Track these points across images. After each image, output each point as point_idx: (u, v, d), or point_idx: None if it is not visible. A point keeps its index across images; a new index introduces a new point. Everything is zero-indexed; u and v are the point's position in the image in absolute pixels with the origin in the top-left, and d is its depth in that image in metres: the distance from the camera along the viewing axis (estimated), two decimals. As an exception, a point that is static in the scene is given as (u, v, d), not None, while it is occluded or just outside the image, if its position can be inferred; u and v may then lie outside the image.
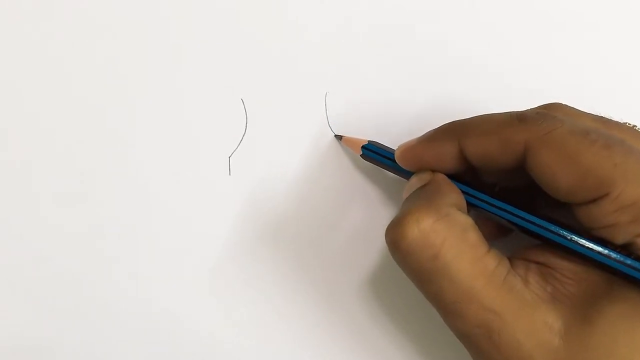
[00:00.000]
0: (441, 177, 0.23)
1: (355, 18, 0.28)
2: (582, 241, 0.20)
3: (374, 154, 0.26)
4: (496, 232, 0.26)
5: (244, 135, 0.28)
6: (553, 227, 0.21)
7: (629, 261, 0.19)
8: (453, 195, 0.22)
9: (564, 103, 0.23)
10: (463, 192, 0.23)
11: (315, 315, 0.28)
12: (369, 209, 0.28)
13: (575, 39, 0.29)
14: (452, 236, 0.20)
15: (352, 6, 0.28)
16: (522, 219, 0.21)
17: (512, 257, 0.22)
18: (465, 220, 0.21)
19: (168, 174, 0.27)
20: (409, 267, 0.21)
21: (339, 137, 0.28)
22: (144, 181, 0.27)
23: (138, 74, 0.27)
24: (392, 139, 0.28)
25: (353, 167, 0.28)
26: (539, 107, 0.23)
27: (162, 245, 0.27)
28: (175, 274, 0.27)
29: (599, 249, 0.20)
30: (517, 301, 0.20)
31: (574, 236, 0.20)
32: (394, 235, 0.20)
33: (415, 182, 0.23)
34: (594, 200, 0.19)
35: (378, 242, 0.28)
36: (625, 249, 0.20)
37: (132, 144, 0.27)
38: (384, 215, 0.28)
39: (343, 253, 0.28)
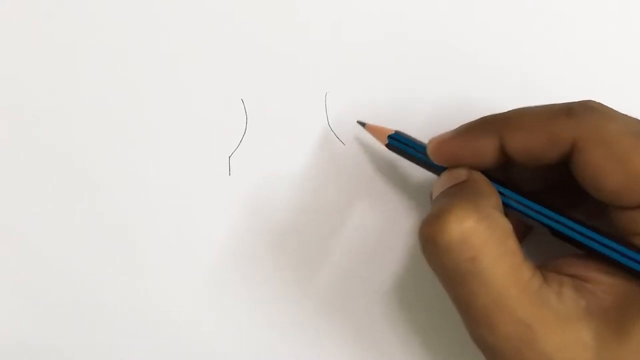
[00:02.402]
0: (480, 177, 0.22)
1: (356, 18, 0.28)
2: (625, 251, 0.19)
3: (402, 145, 0.24)
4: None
5: (244, 135, 0.28)
6: (596, 236, 0.20)
7: None
8: (493, 197, 0.21)
9: (597, 101, 0.22)
10: (502, 193, 0.22)
11: (314, 318, 0.28)
12: (371, 210, 0.28)
13: (583, 36, 0.29)
14: (493, 240, 0.19)
15: (353, 5, 0.28)
16: (566, 226, 0.21)
17: (545, 270, 0.21)
18: (505, 225, 0.20)
19: (168, 173, 0.27)
20: (442, 265, 0.20)
21: (361, 124, 0.27)
22: (144, 181, 0.27)
23: (138, 74, 0.27)
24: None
25: (355, 167, 0.28)
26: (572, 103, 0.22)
27: (162, 245, 0.27)
28: (175, 274, 0.27)
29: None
30: (550, 315, 0.19)
31: (615, 245, 0.20)
32: (432, 231, 0.19)
33: (447, 178, 0.22)
34: (638, 207, 0.19)
35: (380, 244, 0.28)
36: None
37: (132, 144, 0.27)
38: (386, 217, 0.28)
39: (344, 254, 0.28)
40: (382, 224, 0.28)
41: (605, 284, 0.20)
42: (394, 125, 0.27)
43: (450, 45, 0.29)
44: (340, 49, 0.28)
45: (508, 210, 0.22)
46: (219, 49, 0.28)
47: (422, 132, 0.28)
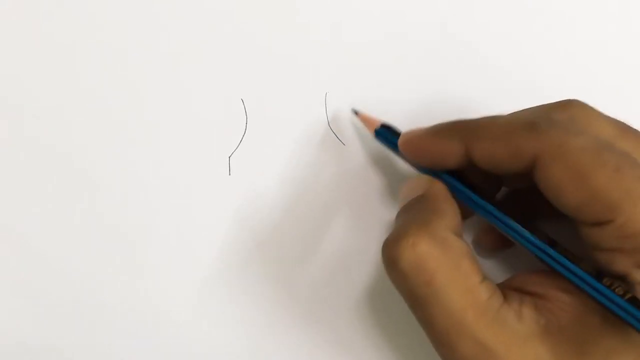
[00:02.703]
0: (439, 191, 0.22)
1: (356, 18, 0.28)
2: (580, 273, 0.20)
3: (385, 139, 0.25)
4: (497, 244, 0.25)
5: (244, 135, 0.28)
6: (553, 253, 0.20)
7: (623, 303, 0.19)
8: (450, 215, 0.22)
9: (581, 101, 0.22)
10: (467, 197, 0.22)
11: (315, 319, 0.28)
12: (370, 210, 0.28)
13: (583, 36, 0.29)
14: (447, 263, 0.20)
15: (353, 5, 0.28)
16: (524, 238, 0.21)
17: (507, 287, 0.21)
18: (461, 247, 0.21)
19: (168, 174, 0.27)
20: (402, 288, 0.21)
21: (355, 112, 0.27)
22: (144, 181, 0.27)
23: (138, 74, 0.27)
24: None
25: (354, 167, 0.28)
26: (555, 104, 0.22)
27: (162, 245, 0.27)
28: (175, 274, 0.27)
29: (594, 284, 0.19)
30: (508, 335, 0.19)
31: (572, 267, 0.20)
32: (390, 255, 0.20)
33: (412, 187, 0.23)
34: (598, 224, 0.19)
35: (380, 246, 0.28)
36: (621, 279, 0.19)
37: (132, 144, 0.27)
38: (386, 218, 0.28)
39: (344, 254, 0.28)
40: (385, 225, 0.28)
41: (564, 302, 0.20)
42: (393, 124, 0.27)
43: (450, 45, 0.29)
44: (340, 49, 0.28)
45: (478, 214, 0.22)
46: (219, 49, 0.28)
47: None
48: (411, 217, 0.21)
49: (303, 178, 0.28)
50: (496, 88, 0.29)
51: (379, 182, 0.28)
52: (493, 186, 0.25)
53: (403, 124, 0.27)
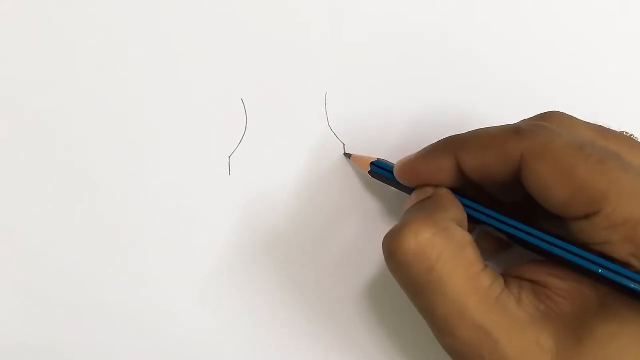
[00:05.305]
0: (444, 191, 0.23)
1: (356, 18, 0.28)
2: (582, 253, 0.20)
3: (381, 170, 0.26)
4: (496, 247, 0.26)
5: (244, 135, 0.28)
6: (555, 240, 0.20)
7: (628, 273, 0.19)
8: (454, 210, 0.22)
9: (560, 111, 0.23)
10: (465, 205, 0.23)
11: (313, 320, 0.28)
12: (369, 210, 0.28)
13: (583, 37, 0.29)
14: (449, 251, 0.20)
15: (353, 5, 0.28)
16: (523, 231, 0.21)
17: (507, 275, 0.22)
18: (463, 236, 0.21)
19: (168, 173, 0.27)
20: (403, 277, 0.21)
21: (347, 156, 0.28)
22: (144, 181, 0.27)
23: (138, 74, 0.27)
24: (392, 139, 0.28)
25: (354, 167, 0.28)
26: (536, 116, 0.23)
27: (162, 245, 0.27)
28: (175, 274, 0.27)
29: (600, 261, 0.19)
30: (509, 321, 0.20)
31: (573, 248, 0.20)
32: (391, 245, 0.20)
33: (416, 195, 0.23)
34: (586, 217, 0.19)
35: (378, 247, 0.28)
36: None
37: (132, 144, 0.27)
38: (385, 218, 0.28)
39: (343, 254, 0.28)
40: (384, 225, 0.28)
41: (561, 289, 0.21)
42: (393, 123, 0.27)
43: (450, 46, 0.29)
44: (340, 49, 0.28)
45: (480, 224, 0.23)
46: (219, 49, 0.28)
47: (421, 132, 0.28)
48: (414, 212, 0.22)
49: (303, 178, 0.28)
50: (495, 88, 0.29)
51: (379, 182, 0.28)
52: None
53: (403, 124, 0.27)
